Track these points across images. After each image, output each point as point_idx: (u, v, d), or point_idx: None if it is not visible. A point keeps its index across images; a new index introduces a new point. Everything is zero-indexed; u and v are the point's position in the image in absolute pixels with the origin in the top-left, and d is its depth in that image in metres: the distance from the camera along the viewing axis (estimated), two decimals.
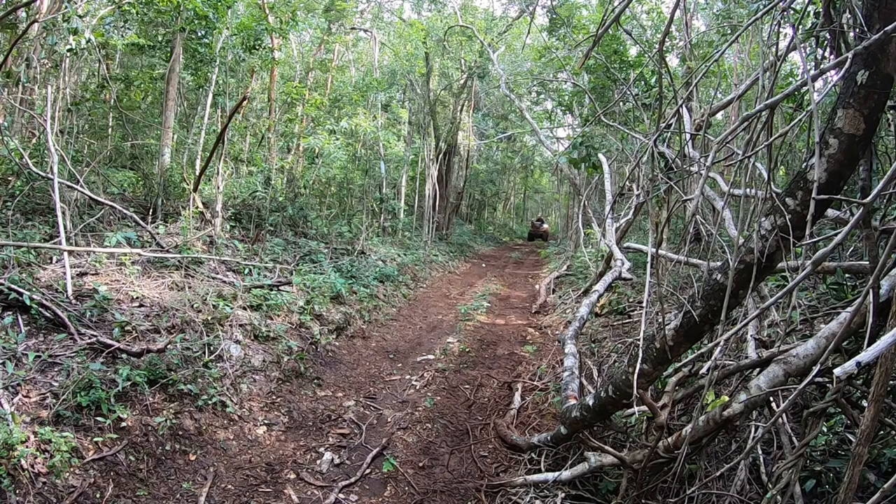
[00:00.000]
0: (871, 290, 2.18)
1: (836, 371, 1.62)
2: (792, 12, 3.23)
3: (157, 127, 11.52)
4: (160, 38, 11.16)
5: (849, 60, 2.28)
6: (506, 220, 46.89)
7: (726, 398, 3.37)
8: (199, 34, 10.85)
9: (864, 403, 3.02)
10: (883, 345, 1.64)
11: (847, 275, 4.31)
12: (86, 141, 10.20)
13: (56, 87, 8.80)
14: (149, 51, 11.10)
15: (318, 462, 5.36)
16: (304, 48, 19.61)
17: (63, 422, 4.49)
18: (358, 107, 16.78)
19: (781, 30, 3.65)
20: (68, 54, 8.45)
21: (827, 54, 3.48)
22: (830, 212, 4.42)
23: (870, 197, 2.07)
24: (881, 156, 4.59)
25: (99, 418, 4.68)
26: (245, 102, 12.26)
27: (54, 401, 4.59)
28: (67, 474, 4.08)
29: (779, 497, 2.76)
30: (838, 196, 2.69)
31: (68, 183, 7.69)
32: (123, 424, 4.79)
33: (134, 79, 11.91)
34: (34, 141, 8.81)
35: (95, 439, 4.52)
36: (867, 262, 3.35)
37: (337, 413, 6.52)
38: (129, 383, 5.09)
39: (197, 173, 10.23)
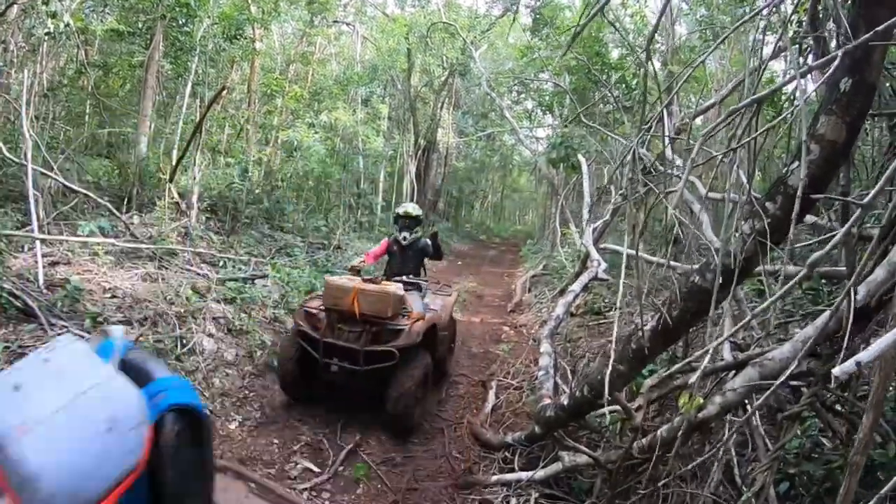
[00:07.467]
0: (848, 295, 2.20)
1: (835, 371, 1.62)
2: (775, 19, 3.26)
3: (135, 115, 11.36)
4: (140, 25, 11.00)
5: (838, 58, 2.30)
6: (483, 218, 46.85)
7: (701, 400, 3.39)
8: (180, 22, 10.75)
9: (839, 408, 3.06)
10: (884, 344, 1.65)
11: (822, 280, 4.36)
12: (61, 127, 10.05)
13: (33, 71, 8.63)
14: (128, 37, 10.92)
15: (291, 458, 5.31)
16: (285, 40, 19.44)
17: None
18: (338, 101, 16.69)
19: (763, 36, 3.68)
20: (46, 38, 8.30)
21: (811, 62, 3.52)
22: (808, 217, 4.47)
23: (868, 197, 2.09)
24: (858, 165, 4.66)
25: None
26: (224, 93, 12.12)
27: None
28: None
29: (753, 499, 2.78)
30: (828, 194, 2.72)
31: (42, 170, 7.55)
32: None
33: (112, 66, 11.71)
34: (9, 126, 8.64)
35: None
36: (843, 268, 3.39)
37: (310, 409, 6.46)
38: None
39: (173, 163, 10.10)
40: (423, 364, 5.97)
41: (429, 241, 7.29)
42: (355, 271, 6.78)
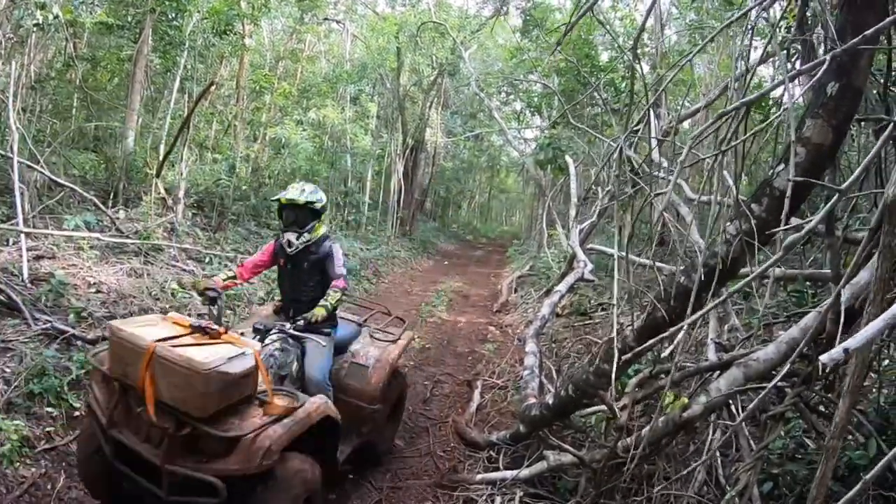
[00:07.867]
0: (835, 297, 2.23)
1: (822, 358, 1.63)
2: (763, 23, 3.29)
3: (122, 109, 11.27)
4: (129, 19, 10.89)
5: (826, 63, 2.32)
6: (470, 218, 46.90)
7: (686, 400, 3.41)
8: (170, 16, 10.68)
9: (822, 408, 3.08)
10: (871, 331, 1.67)
11: (807, 282, 4.40)
12: (48, 121, 9.96)
13: (20, 63, 8.53)
14: (117, 31, 10.81)
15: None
16: (275, 36, 19.36)
17: (14, 409, 4.35)
18: (327, 98, 16.64)
19: (750, 41, 3.71)
20: (35, 29, 8.21)
21: (798, 66, 3.55)
22: (793, 220, 4.50)
23: (846, 183, 2.12)
24: (844, 170, 4.70)
25: (50, 407, 4.55)
26: (212, 88, 12.05)
27: (6, 388, 4.45)
28: (18, 464, 3.95)
29: (737, 499, 2.80)
30: (813, 198, 2.75)
31: (28, 163, 7.48)
32: (76, 414, 4.66)
33: (101, 59, 11.62)
34: None
35: (47, 428, 4.40)
36: (828, 272, 3.42)
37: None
38: (82, 371, 4.96)
39: (160, 158, 10.04)
40: (296, 486, 3.25)
41: (335, 246, 4.45)
42: (207, 298, 4.01)
